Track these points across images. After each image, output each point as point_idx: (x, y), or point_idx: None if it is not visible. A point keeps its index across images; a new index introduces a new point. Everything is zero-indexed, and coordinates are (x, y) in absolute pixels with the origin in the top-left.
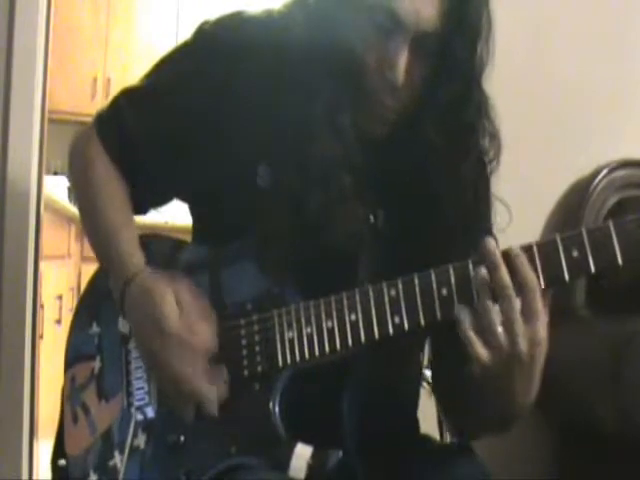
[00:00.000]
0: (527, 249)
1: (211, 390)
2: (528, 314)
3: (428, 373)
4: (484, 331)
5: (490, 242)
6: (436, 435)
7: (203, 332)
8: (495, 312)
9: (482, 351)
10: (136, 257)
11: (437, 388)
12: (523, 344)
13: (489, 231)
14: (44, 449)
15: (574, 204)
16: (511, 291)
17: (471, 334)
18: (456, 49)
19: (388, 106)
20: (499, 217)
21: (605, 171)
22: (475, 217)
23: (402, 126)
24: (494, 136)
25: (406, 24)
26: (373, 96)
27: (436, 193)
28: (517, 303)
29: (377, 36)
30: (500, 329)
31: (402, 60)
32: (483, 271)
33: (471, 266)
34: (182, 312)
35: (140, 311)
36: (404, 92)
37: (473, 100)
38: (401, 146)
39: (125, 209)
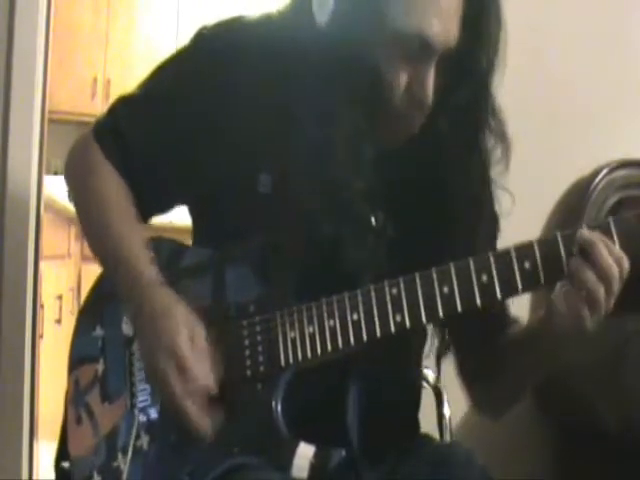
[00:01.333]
0: (528, 247)
1: (204, 421)
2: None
3: (428, 373)
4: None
5: (584, 232)
6: (436, 435)
7: (209, 372)
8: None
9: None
10: (149, 266)
11: (470, 366)
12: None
13: (493, 236)
14: (44, 449)
15: (574, 204)
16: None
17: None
18: (474, 57)
19: (416, 123)
20: (502, 204)
21: (605, 171)
22: (479, 226)
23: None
24: (501, 135)
25: (436, 47)
26: (401, 115)
27: (441, 198)
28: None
29: (406, 60)
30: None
31: (431, 78)
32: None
33: (472, 265)
34: (194, 347)
35: (155, 324)
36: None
37: (486, 101)
38: (413, 150)
39: (133, 214)
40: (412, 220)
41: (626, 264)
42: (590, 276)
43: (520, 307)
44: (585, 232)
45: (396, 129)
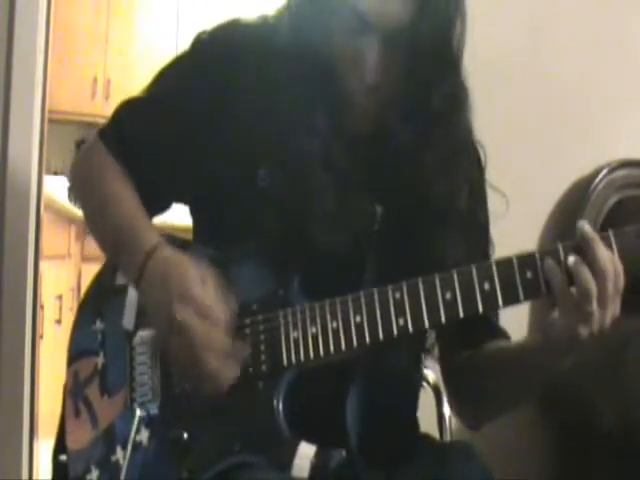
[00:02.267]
0: (529, 256)
1: (225, 364)
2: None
3: (428, 373)
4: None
5: (586, 225)
6: (436, 435)
7: (223, 308)
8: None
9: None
10: (155, 233)
11: (452, 372)
12: (609, 319)
13: (485, 228)
14: (44, 449)
15: (574, 204)
16: (611, 269)
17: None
18: (428, 40)
19: (367, 105)
20: (496, 205)
21: (605, 171)
22: (471, 213)
23: (388, 122)
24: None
25: (374, 24)
26: (351, 96)
27: (428, 187)
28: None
29: (348, 38)
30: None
31: (373, 59)
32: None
33: (475, 273)
34: (206, 287)
35: (162, 280)
36: (382, 90)
37: (450, 89)
38: (389, 142)
39: (136, 199)
40: (409, 214)
41: (621, 271)
42: (585, 272)
43: (519, 314)
44: (586, 226)
45: (352, 112)
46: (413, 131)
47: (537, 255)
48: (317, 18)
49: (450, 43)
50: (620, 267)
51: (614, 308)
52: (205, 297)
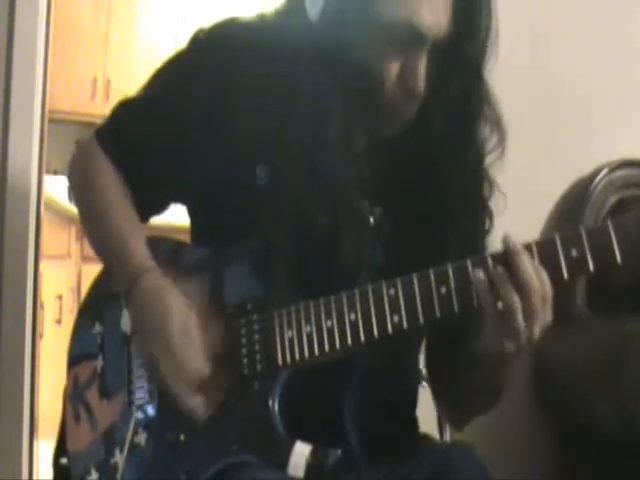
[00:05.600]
0: (526, 248)
1: (197, 405)
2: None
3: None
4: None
5: (510, 237)
6: (436, 435)
7: (200, 356)
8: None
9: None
10: (146, 254)
11: (434, 370)
12: (537, 331)
13: (485, 234)
14: (44, 449)
15: (574, 204)
16: (535, 282)
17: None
18: (466, 46)
19: (408, 112)
20: (495, 205)
21: (605, 171)
22: (474, 219)
23: (412, 123)
24: (497, 123)
25: (427, 36)
26: (393, 106)
27: (438, 189)
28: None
29: (397, 50)
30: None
31: (423, 68)
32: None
33: (470, 265)
34: (184, 331)
35: (147, 308)
36: (420, 96)
37: (479, 89)
38: (408, 142)
39: (131, 210)
40: (409, 214)
41: (547, 281)
42: (508, 287)
43: None
44: (509, 239)
45: (389, 119)
46: (440, 133)
47: (534, 246)
48: (352, 29)
49: (484, 48)
50: (546, 277)
51: (543, 319)
52: (179, 342)
